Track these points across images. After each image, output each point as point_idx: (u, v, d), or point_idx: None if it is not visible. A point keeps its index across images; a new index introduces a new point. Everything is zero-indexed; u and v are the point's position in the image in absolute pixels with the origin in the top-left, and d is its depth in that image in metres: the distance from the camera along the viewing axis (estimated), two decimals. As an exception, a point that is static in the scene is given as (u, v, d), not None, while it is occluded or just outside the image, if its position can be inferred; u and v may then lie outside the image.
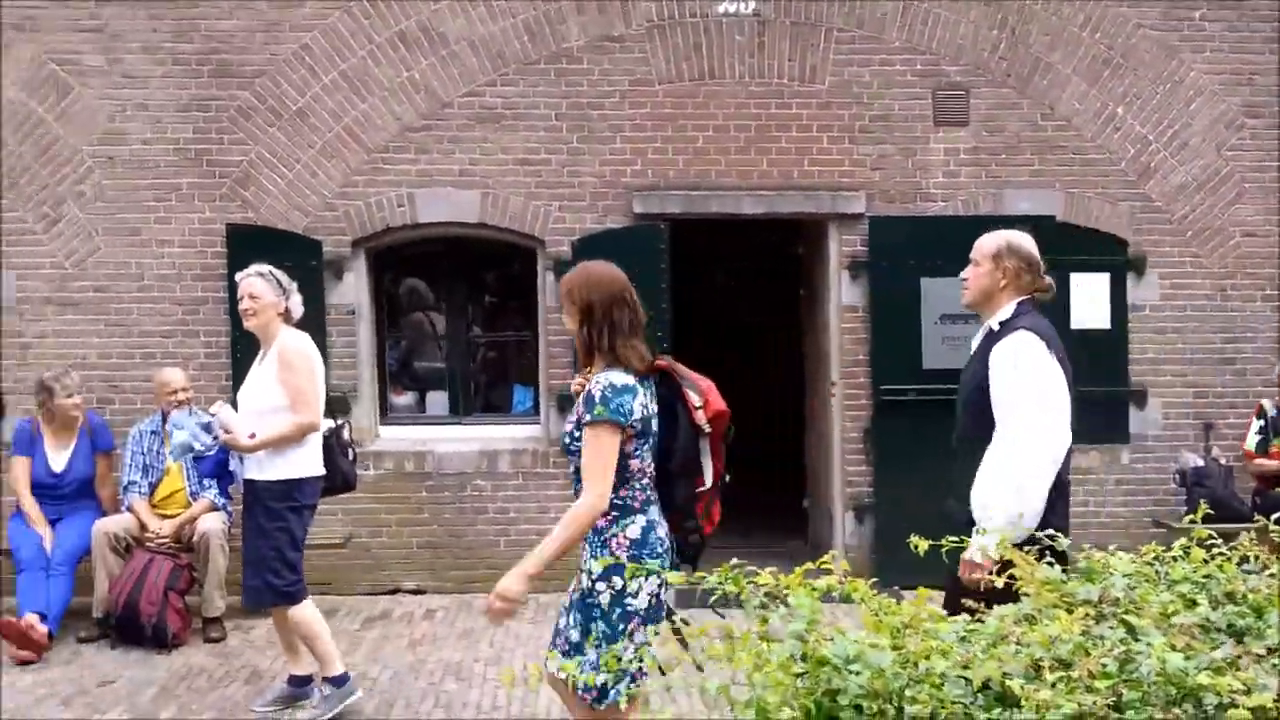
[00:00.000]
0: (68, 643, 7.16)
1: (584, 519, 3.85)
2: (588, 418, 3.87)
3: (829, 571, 2.64)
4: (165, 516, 7.44)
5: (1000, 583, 2.84)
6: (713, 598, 2.61)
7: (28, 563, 7.27)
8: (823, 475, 8.90)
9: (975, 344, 4.49)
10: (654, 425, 4.05)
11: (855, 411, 8.41)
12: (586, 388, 3.95)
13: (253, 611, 7.02)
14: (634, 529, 3.96)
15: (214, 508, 7.44)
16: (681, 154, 8.30)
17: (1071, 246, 8.26)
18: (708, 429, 4.11)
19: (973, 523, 4.15)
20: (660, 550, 3.99)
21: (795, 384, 9.95)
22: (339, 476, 6.09)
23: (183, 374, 7.65)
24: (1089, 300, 8.43)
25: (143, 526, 7.37)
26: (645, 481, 4.03)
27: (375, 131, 8.27)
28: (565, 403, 8.21)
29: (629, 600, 3.90)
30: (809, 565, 2.70)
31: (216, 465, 7.32)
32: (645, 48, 8.26)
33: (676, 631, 3.79)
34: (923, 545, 3.15)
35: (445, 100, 8.26)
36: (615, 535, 3.95)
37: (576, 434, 3.94)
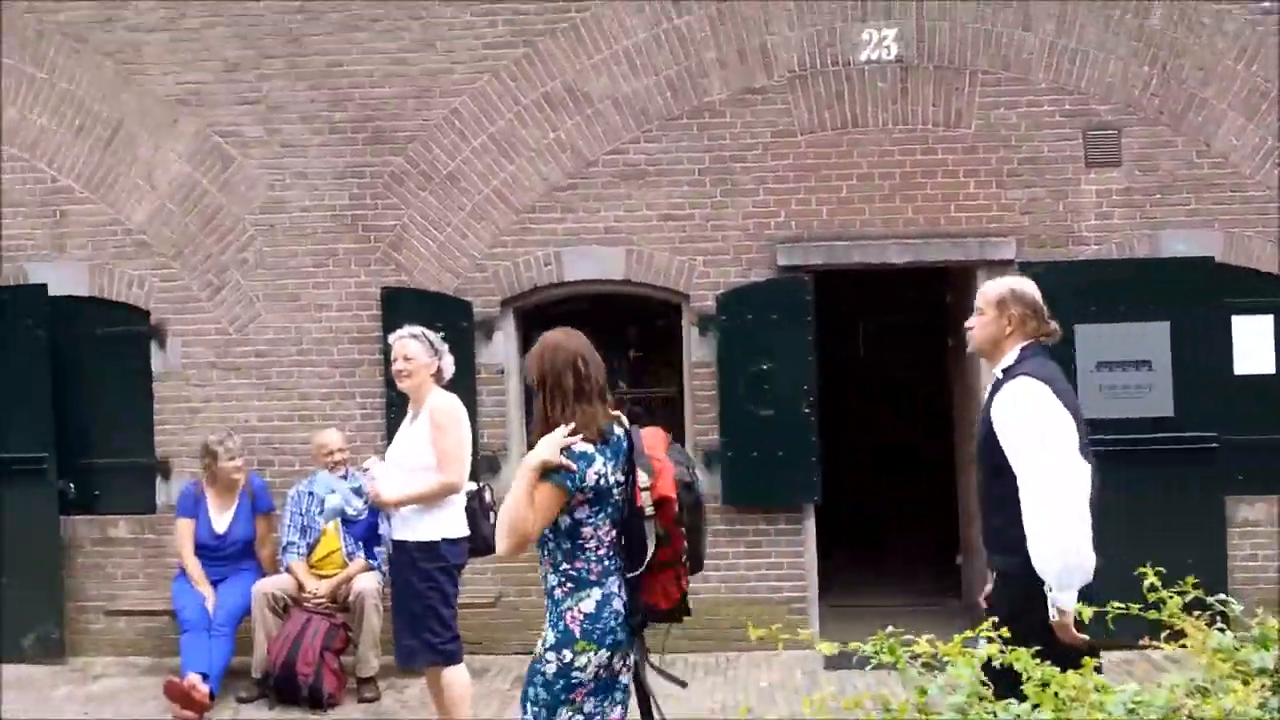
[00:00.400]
0: (228, 702, 7.33)
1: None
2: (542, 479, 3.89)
3: (990, 639, 2.56)
4: (322, 576, 7.60)
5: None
6: (870, 664, 2.55)
7: (191, 623, 7.49)
8: (975, 531, 8.63)
9: (985, 395, 4.48)
10: (616, 495, 4.01)
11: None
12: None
13: (406, 671, 7.11)
14: (589, 603, 3.96)
15: (369, 568, 7.57)
16: (825, 204, 8.21)
17: (1232, 288, 7.93)
18: (649, 511, 4.00)
19: (1006, 573, 4.17)
20: (614, 624, 3.98)
21: (947, 436, 9.72)
22: (480, 539, 6.09)
23: (340, 435, 7.83)
24: (1252, 344, 8.04)
25: (300, 587, 7.53)
26: (602, 552, 4.00)
27: (523, 192, 8.38)
28: (712, 459, 8.16)
29: (575, 673, 3.94)
30: (968, 633, 2.62)
31: (367, 529, 7.44)
32: (787, 98, 8.22)
33: (646, 701, 4.05)
34: (1086, 613, 3.04)
35: (590, 159, 8.34)
36: (570, 609, 3.96)
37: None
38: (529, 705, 4.02)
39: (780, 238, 8.22)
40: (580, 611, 3.95)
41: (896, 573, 9.82)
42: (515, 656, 8.16)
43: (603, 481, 3.96)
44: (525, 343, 8.68)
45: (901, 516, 10.73)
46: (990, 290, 4.47)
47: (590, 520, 3.96)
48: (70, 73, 8.62)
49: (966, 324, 4.55)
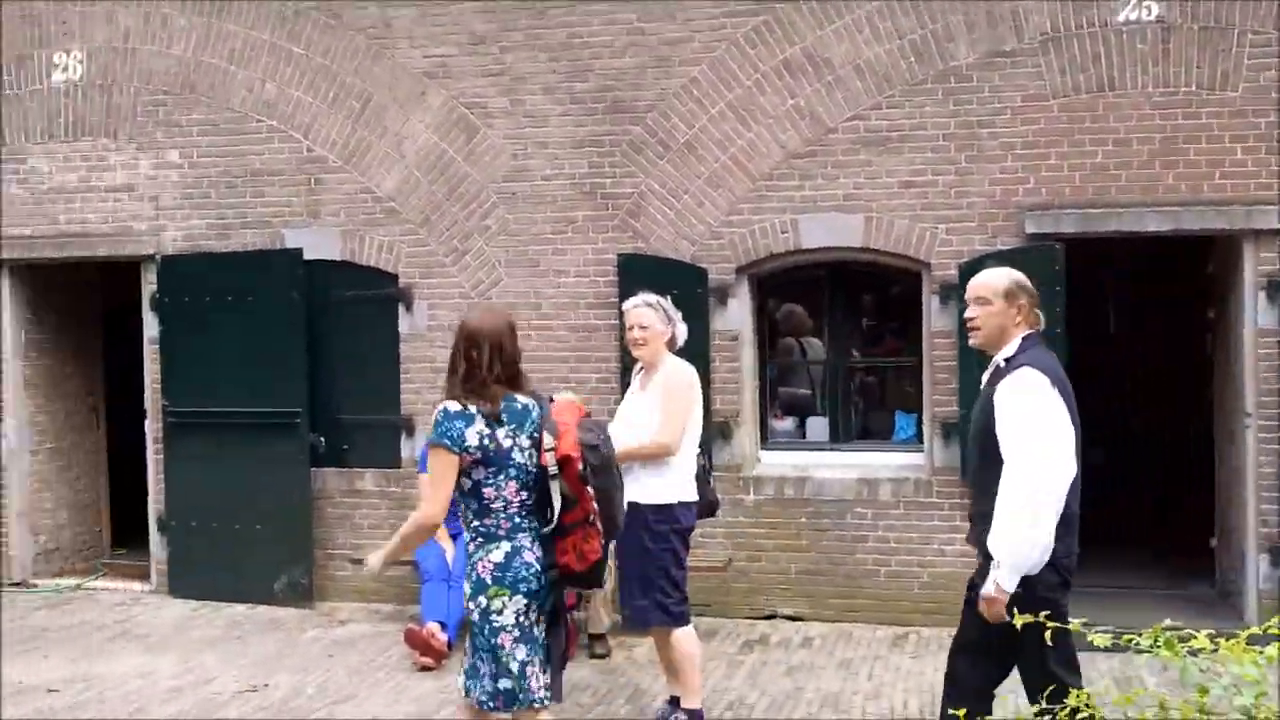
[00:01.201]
0: (464, 651, 7.53)
1: (410, 528, 4.54)
2: (428, 442, 4.46)
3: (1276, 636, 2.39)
4: (557, 534, 7.72)
5: (1018, 623, 3.26)
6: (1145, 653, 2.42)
7: (432, 574, 7.74)
8: (1234, 514, 8.16)
9: (984, 382, 4.58)
10: (520, 459, 4.44)
11: (1273, 445, 7.66)
12: None
13: (635, 631, 7.18)
14: (497, 554, 4.42)
15: (601, 527, 7.65)
16: (1078, 170, 7.86)
17: None
18: (553, 470, 4.42)
19: (990, 557, 4.31)
20: (526, 574, 4.41)
21: (1205, 412, 9.21)
22: (704, 503, 6.16)
23: (575, 398, 7.92)
24: None
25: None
26: (512, 511, 4.45)
27: (760, 159, 8.32)
28: (950, 431, 7.96)
29: (494, 617, 4.40)
30: (1253, 630, 2.46)
31: None
32: (1039, 61, 7.90)
33: (548, 651, 4.51)
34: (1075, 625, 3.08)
35: (829, 125, 8.21)
36: (480, 560, 4.44)
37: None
38: (473, 658, 4.53)
39: (1028, 205, 7.92)
40: (490, 562, 4.43)
41: (1143, 555, 9.37)
42: (744, 621, 8.17)
43: (488, 443, 4.38)
44: (760, 310, 8.65)
45: (1153, 495, 10.31)
46: (995, 281, 4.57)
47: (490, 481, 4.41)
48: (325, 47, 8.99)
49: (967, 315, 4.62)
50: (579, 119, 8.59)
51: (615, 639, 7.59)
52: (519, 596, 4.39)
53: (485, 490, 4.42)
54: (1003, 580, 4.22)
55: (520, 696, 4.44)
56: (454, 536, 7.90)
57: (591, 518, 4.47)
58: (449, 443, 4.35)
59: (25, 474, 9.87)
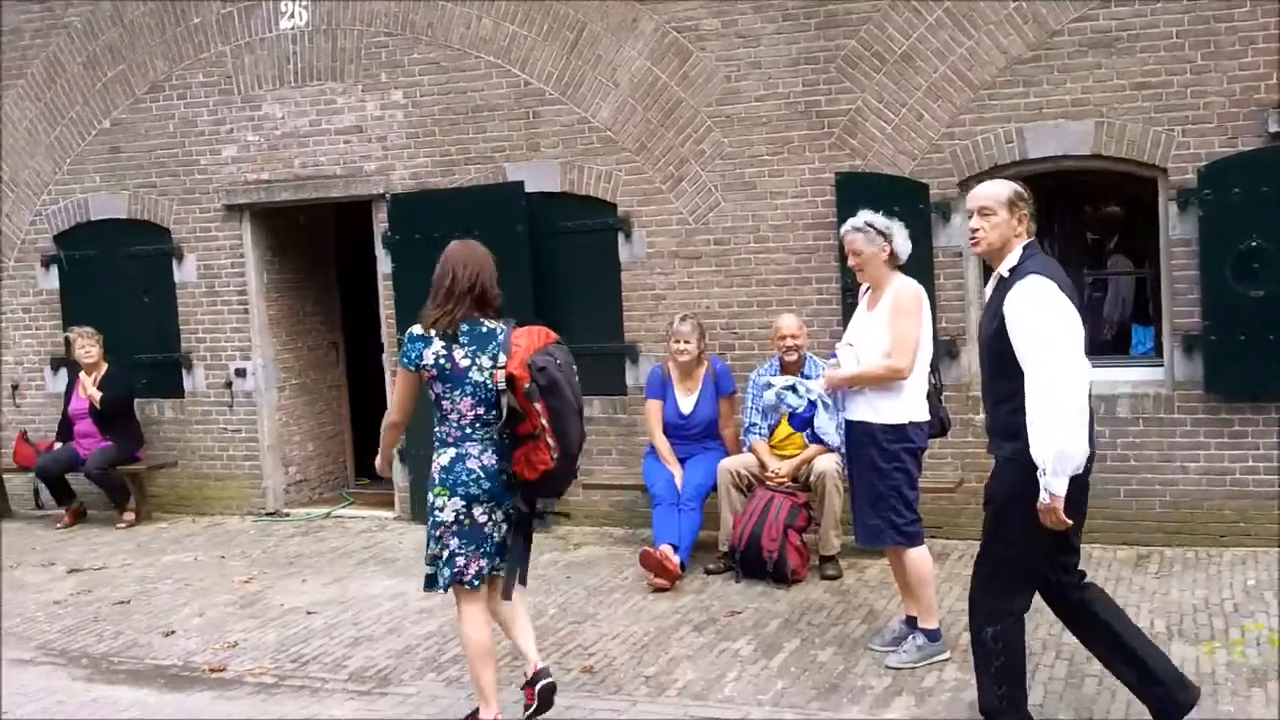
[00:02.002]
0: (697, 573, 7.67)
1: (383, 431, 5.44)
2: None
3: None
4: (783, 457, 7.76)
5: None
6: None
7: (662, 498, 7.88)
8: None
9: (989, 293, 4.72)
10: (478, 377, 5.01)
11: None
12: None
13: (867, 551, 7.18)
14: (445, 458, 5.06)
15: (828, 449, 7.64)
16: (1328, 63, 7.37)
17: None
18: (501, 386, 4.99)
19: (1005, 459, 4.54)
20: (467, 479, 5.01)
21: None
22: (935, 421, 6.08)
23: (797, 320, 7.90)
24: None
25: (763, 466, 7.73)
26: (463, 422, 5.05)
27: (981, 68, 8.05)
28: (1192, 344, 7.63)
29: (436, 512, 5.06)
30: None
31: (803, 422, 7.43)
32: (1283, -53, 7.40)
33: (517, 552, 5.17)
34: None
35: (1054, 28, 7.88)
36: (434, 461, 5.10)
37: None
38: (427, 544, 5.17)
39: (1272, 103, 7.47)
40: (438, 464, 5.07)
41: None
42: (974, 542, 8.02)
43: (445, 363, 4.99)
44: (984, 225, 8.41)
45: None
46: (999, 191, 4.68)
47: (447, 396, 5.03)
48: (539, -22, 9.09)
49: (970, 226, 4.73)
50: (791, 36, 8.47)
51: (846, 560, 7.61)
52: (457, 498, 5.02)
53: (444, 403, 5.05)
54: (1053, 486, 4.35)
55: (447, 574, 5.06)
56: (683, 462, 8.01)
57: (539, 431, 4.94)
58: (406, 362, 5.06)
59: (273, 409, 10.43)
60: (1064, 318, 4.43)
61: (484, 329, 5.06)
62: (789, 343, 7.69)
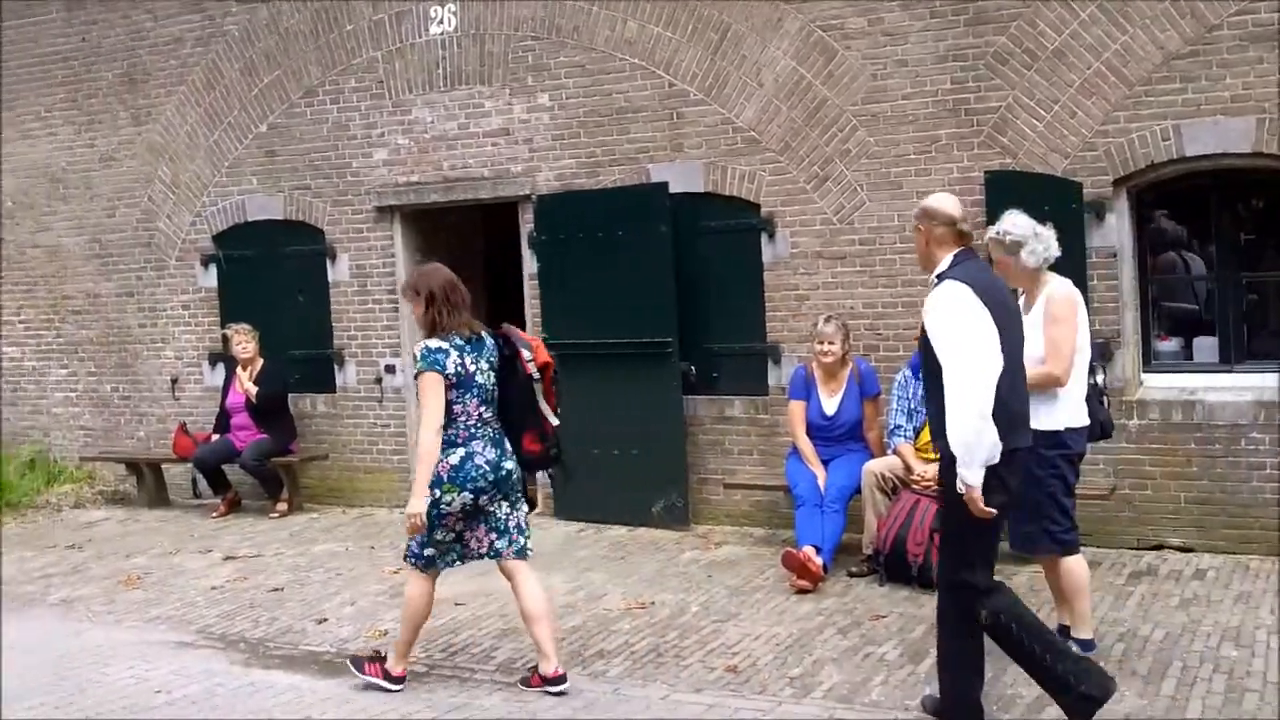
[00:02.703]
0: (840, 575, 7.63)
1: (426, 442, 5.59)
2: (414, 373, 5.64)
3: None
4: (929, 460, 7.66)
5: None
6: None
7: (805, 499, 7.85)
8: None
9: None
10: (480, 379, 5.68)
11: None
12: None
13: (1015, 557, 7.05)
14: (455, 458, 5.66)
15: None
16: None
17: None
18: (538, 375, 5.79)
19: (945, 455, 4.86)
20: (475, 475, 5.68)
21: None
22: (1096, 425, 5.94)
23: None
24: None
25: (908, 469, 7.65)
26: (471, 422, 5.69)
27: (1136, 63, 7.86)
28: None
29: (443, 506, 5.67)
30: None
31: None
32: None
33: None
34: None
35: (1213, 22, 7.64)
36: (441, 461, 5.63)
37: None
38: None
39: None
40: (448, 464, 5.64)
41: None
42: (1128, 551, 7.87)
43: (461, 370, 5.61)
44: (1140, 224, 8.21)
45: None
46: (920, 208, 5.18)
47: (459, 400, 5.63)
48: (684, -21, 9.13)
49: None
50: (939, 33, 8.37)
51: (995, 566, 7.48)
52: (466, 493, 5.68)
53: (454, 407, 5.62)
54: (967, 477, 4.71)
55: (458, 551, 5.90)
56: (826, 463, 7.97)
57: (558, 411, 6.00)
58: (437, 367, 5.55)
59: (421, 404, 10.64)
60: (970, 319, 4.77)
61: (475, 337, 5.75)
62: (936, 344, 7.58)
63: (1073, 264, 7.09)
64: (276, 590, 8.10)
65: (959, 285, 4.84)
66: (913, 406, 7.77)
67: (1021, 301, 5.94)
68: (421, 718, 5.71)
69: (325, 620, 7.35)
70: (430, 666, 6.42)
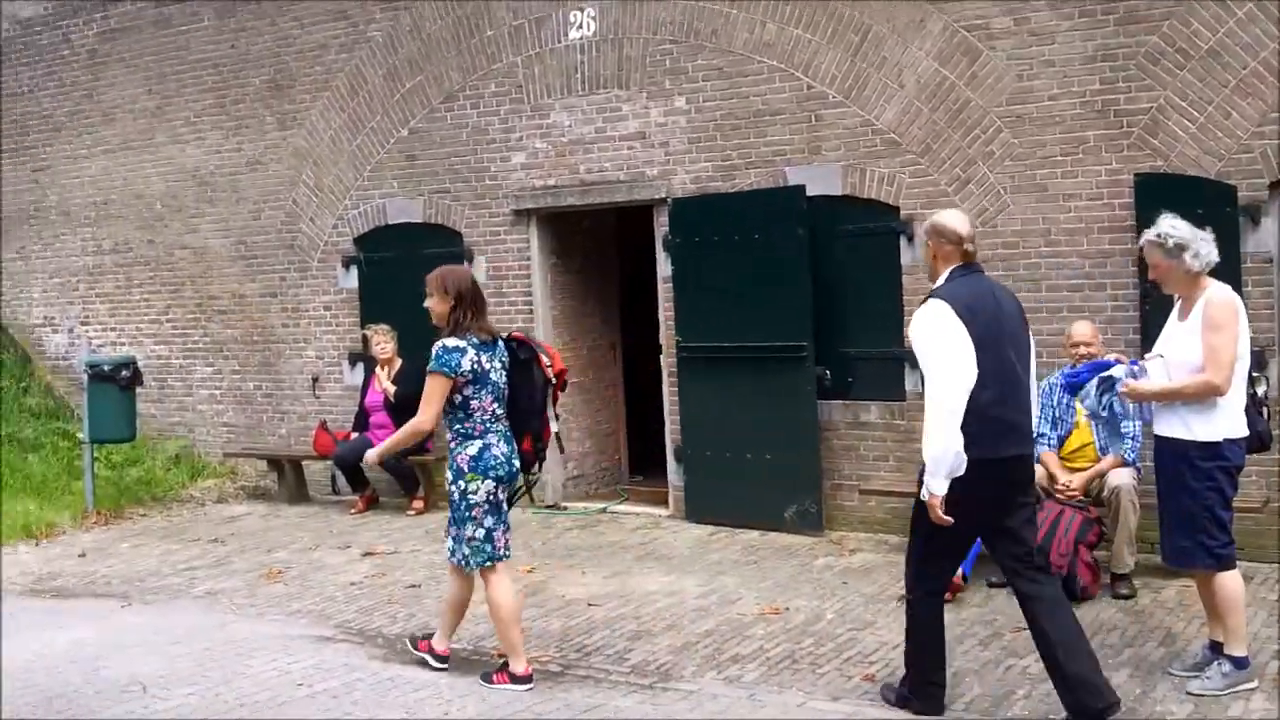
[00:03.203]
0: (979, 586, 7.46)
1: (405, 433, 6.13)
2: (428, 368, 5.91)
3: None
4: (1074, 469, 7.48)
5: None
6: None
7: (944, 506, 7.69)
8: None
9: None
10: (494, 378, 6.00)
11: None
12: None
13: (1163, 570, 6.84)
14: (473, 449, 5.96)
15: (1124, 463, 7.32)
16: None
17: None
18: (554, 380, 6.23)
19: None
20: (494, 464, 5.97)
21: None
22: (1254, 436, 5.71)
23: (1091, 327, 7.61)
24: None
25: (1052, 478, 7.46)
26: (485, 416, 5.98)
27: (1297, 62, 7.58)
28: None
29: (471, 497, 5.97)
30: None
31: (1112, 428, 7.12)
32: None
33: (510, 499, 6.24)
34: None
35: (1382, 18, 7.34)
36: (459, 454, 5.98)
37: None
38: (450, 526, 6.10)
39: None
40: (466, 455, 5.96)
41: None
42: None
43: (478, 367, 5.89)
44: (1300, 229, 7.91)
45: None
46: (927, 225, 5.40)
47: (475, 396, 5.93)
48: (826, -19, 9.05)
49: None
50: (1088, 33, 8.16)
51: (1140, 579, 7.27)
52: (488, 480, 5.96)
53: (471, 402, 5.93)
54: (930, 486, 5.08)
55: (489, 551, 6.03)
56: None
57: (558, 416, 6.48)
58: (447, 370, 5.85)
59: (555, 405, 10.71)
60: (945, 336, 5.01)
61: (489, 339, 6.07)
62: (1082, 350, 7.41)
63: (1227, 270, 6.80)
64: (414, 587, 8.22)
65: (939, 304, 5.09)
66: (1057, 415, 7.59)
67: (1177, 308, 5.75)
68: (557, 718, 5.72)
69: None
70: (565, 667, 6.44)
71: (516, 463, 6.14)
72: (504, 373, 6.07)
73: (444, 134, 10.89)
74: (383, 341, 10.77)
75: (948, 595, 7.14)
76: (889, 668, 6.13)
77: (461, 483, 5.97)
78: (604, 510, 10.43)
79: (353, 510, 10.91)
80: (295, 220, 11.91)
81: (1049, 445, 7.60)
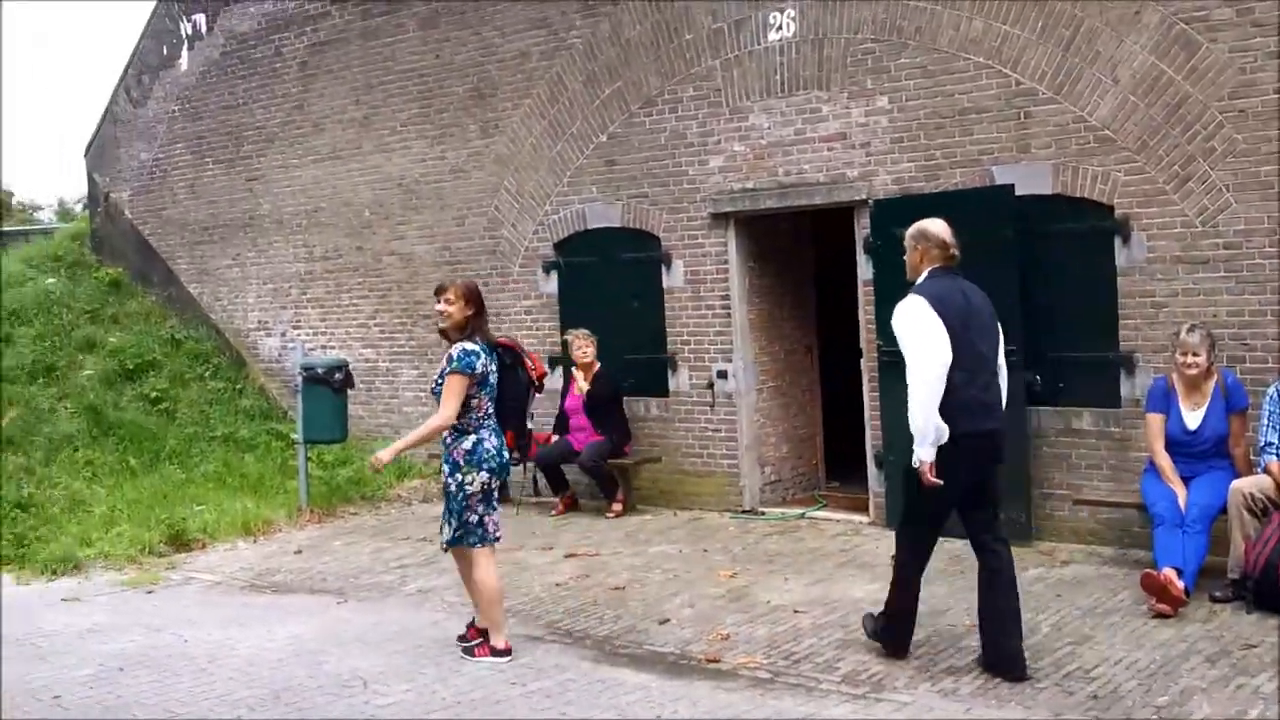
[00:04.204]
0: (1203, 600, 7.16)
1: (433, 426, 6.63)
2: (448, 369, 6.52)
3: None
4: (1306, 480, 7.13)
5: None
6: None
7: (1164, 518, 7.41)
8: None
9: None
10: (492, 379, 6.64)
11: None
12: (448, 350, 6.63)
13: None
14: (468, 443, 6.59)
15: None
16: None
17: None
18: (535, 383, 7.06)
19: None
20: (486, 457, 6.59)
21: None
22: None
23: None
24: None
25: (1279, 488, 7.12)
26: (480, 415, 6.62)
27: None
28: None
29: (466, 487, 6.61)
30: None
31: None
32: None
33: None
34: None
35: None
36: (455, 448, 6.61)
37: (439, 381, 6.60)
38: (446, 516, 6.76)
39: None
40: (461, 449, 6.58)
41: None
42: None
43: (485, 370, 6.58)
44: None
45: None
46: (910, 229, 6.38)
47: (475, 395, 6.57)
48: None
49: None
50: (1317, 22, 7.76)
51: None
52: (483, 472, 6.58)
53: (472, 401, 6.56)
54: (919, 453, 5.97)
55: (481, 533, 6.70)
56: (1186, 480, 7.51)
57: (534, 414, 7.43)
58: (468, 370, 6.50)
59: (751, 410, 10.71)
60: (921, 326, 5.92)
61: (489, 345, 6.74)
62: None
63: None
64: (618, 589, 8.29)
65: (917, 298, 6.01)
66: (1286, 422, 7.27)
67: None
68: (770, 724, 5.72)
69: (667, 621, 7.47)
70: (774, 674, 6.41)
71: (506, 455, 6.75)
72: (495, 374, 6.71)
73: (642, 139, 10.98)
74: (583, 346, 10.92)
75: (1166, 609, 6.93)
76: (1112, 685, 5.93)
77: (459, 475, 6.59)
78: (802, 516, 10.36)
79: (553, 512, 11.09)
80: (497, 226, 12.17)
81: (1276, 454, 7.26)
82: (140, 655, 7.33)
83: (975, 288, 6.33)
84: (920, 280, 6.16)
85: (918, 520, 6.31)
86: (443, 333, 6.75)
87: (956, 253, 6.20)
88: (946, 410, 5.88)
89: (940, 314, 5.92)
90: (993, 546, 6.19)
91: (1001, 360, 6.31)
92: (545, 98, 11.64)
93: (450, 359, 6.55)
